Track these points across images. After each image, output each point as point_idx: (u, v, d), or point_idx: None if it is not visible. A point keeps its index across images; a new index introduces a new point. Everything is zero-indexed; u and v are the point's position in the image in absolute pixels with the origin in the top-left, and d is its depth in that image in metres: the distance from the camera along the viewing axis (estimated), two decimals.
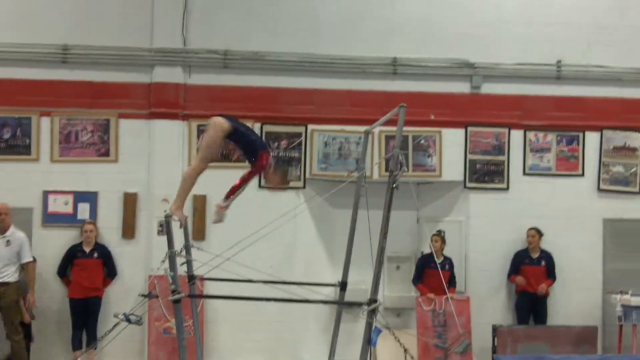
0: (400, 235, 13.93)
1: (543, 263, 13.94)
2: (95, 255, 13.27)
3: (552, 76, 14.41)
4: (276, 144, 13.86)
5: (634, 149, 14.52)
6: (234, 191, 9.28)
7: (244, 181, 9.29)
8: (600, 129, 14.48)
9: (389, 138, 13.77)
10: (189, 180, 9.13)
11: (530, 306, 13.95)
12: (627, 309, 12.89)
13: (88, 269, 13.20)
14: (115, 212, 13.63)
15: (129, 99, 13.75)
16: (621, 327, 13.27)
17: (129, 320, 9.36)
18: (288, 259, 13.71)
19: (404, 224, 14.10)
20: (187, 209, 13.30)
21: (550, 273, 14.00)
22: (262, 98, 13.92)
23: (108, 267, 13.39)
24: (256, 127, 13.78)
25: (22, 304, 12.77)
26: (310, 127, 13.96)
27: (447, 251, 13.79)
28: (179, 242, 9.60)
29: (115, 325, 9.19)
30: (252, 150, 9.25)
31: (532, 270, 13.88)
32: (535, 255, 13.96)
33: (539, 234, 13.97)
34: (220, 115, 9.20)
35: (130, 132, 13.72)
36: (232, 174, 13.49)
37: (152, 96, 13.72)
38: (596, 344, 13.57)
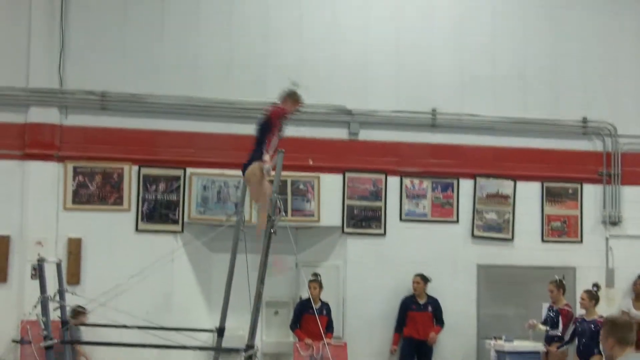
0: (278, 280, 14.06)
1: (430, 309, 14.23)
2: None
3: (427, 124, 14.86)
4: (154, 187, 13.79)
5: (507, 196, 14.99)
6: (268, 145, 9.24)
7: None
8: (473, 176, 14.88)
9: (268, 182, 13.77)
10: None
11: (415, 352, 14.25)
12: (501, 354, 13.25)
13: None
14: None
15: (2, 140, 13.65)
16: None
17: None
18: (165, 304, 13.64)
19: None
20: (61, 252, 13.14)
21: (438, 319, 14.33)
22: (140, 140, 13.97)
23: None
24: (134, 170, 13.70)
25: None
26: (189, 170, 14.02)
27: (325, 296, 13.89)
28: (53, 286, 9.43)
29: None
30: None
31: (419, 316, 14.17)
32: (422, 301, 14.21)
33: (424, 280, 14.28)
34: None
35: (3, 173, 13.63)
36: (109, 217, 13.45)
37: (27, 137, 13.66)
38: None
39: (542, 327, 13.24)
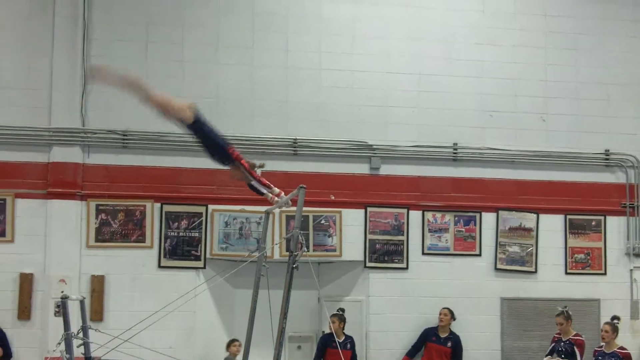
0: (301, 315, 14.12)
1: (449, 344, 14.21)
2: None
3: (449, 158, 14.89)
4: (176, 224, 13.92)
5: (530, 230, 15.01)
6: (265, 182, 9.20)
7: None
8: (496, 209, 14.93)
9: (289, 218, 13.94)
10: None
11: None
12: None
13: None
14: (10, 293, 13.56)
15: (26, 179, 13.78)
16: None
17: None
18: (188, 339, 13.69)
19: (305, 304, 14.24)
20: (84, 289, 13.27)
21: (455, 356, 14.30)
22: (162, 178, 14.08)
23: (3, 349, 13.09)
24: (156, 207, 13.83)
25: None
26: (211, 207, 14.13)
27: (348, 330, 13.90)
28: (76, 323, 9.54)
29: None
30: (221, 150, 9.30)
31: (436, 348, 14.19)
32: (443, 335, 14.23)
33: (451, 314, 14.29)
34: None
35: (27, 211, 13.72)
36: (131, 254, 13.58)
37: (50, 176, 13.78)
38: None
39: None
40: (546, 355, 13.15)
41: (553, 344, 13.34)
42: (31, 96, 13.89)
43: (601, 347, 12.99)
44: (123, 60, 14.09)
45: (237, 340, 13.33)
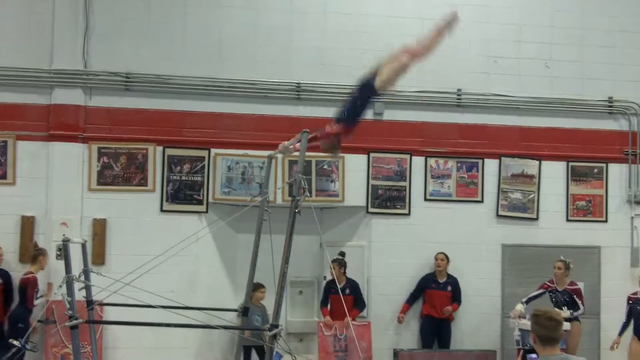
0: (303, 259, 14.00)
1: (449, 288, 14.12)
2: None
3: (453, 104, 14.66)
4: (178, 167, 13.71)
5: (532, 176, 14.83)
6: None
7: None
8: (499, 156, 14.74)
9: (292, 163, 13.75)
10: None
11: (434, 330, 14.11)
12: (525, 332, 13.00)
13: None
14: (12, 236, 13.37)
15: (27, 121, 13.55)
16: (519, 351, 13.38)
17: (24, 347, 9.10)
18: (190, 283, 13.59)
19: (306, 249, 14.12)
20: (86, 233, 13.11)
21: (455, 297, 14.20)
22: (165, 121, 13.85)
23: (7, 293, 12.90)
24: (158, 150, 13.64)
25: None
26: (214, 151, 13.91)
27: (349, 275, 13.76)
28: (78, 267, 9.39)
29: (13, 353, 8.89)
30: (355, 116, 9.23)
31: (437, 294, 14.06)
32: (442, 279, 14.10)
33: (447, 258, 14.17)
34: None
35: (28, 154, 13.51)
36: (133, 198, 13.40)
37: (52, 118, 13.55)
38: None
39: (565, 312, 12.95)
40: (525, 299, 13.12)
41: (541, 290, 13.29)
42: (33, 38, 13.61)
43: (635, 293, 12.93)
44: (125, 5, 13.85)
45: (263, 287, 13.07)
